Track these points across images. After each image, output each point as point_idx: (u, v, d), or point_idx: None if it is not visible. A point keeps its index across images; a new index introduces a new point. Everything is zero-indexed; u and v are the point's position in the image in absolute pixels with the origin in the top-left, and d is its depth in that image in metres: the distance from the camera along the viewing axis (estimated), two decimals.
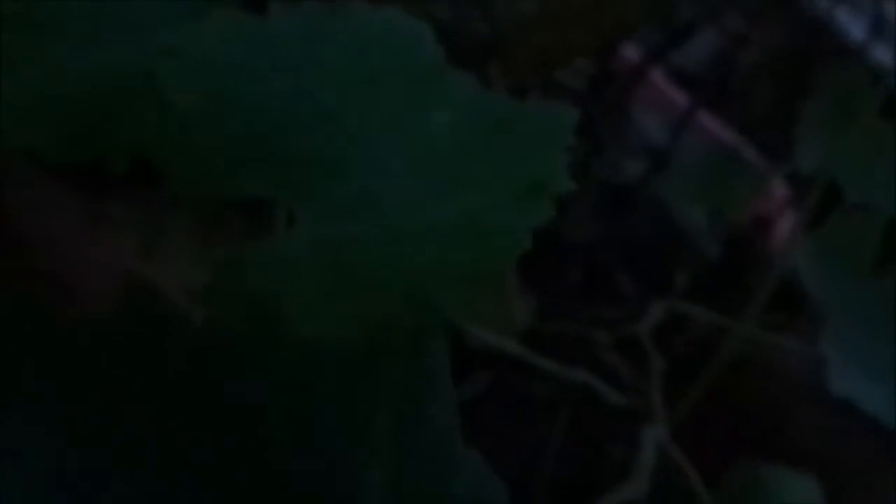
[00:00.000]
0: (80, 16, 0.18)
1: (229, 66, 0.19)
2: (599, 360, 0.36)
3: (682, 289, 0.40)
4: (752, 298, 0.34)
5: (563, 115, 0.20)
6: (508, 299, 0.40)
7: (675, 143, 0.63)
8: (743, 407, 0.35)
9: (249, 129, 0.18)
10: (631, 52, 0.63)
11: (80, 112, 0.17)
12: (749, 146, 0.49)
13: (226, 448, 0.16)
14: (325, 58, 0.19)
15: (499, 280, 0.18)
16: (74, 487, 0.15)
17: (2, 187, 0.31)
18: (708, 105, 0.72)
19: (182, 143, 0.17)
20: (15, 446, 0.15)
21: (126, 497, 0.15)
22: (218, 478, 0.16)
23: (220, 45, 0.19)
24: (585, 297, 0.55)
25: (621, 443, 0.30)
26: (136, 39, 0.18)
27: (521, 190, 0.18)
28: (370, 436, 0.16)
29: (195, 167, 0.18)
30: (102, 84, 0.17)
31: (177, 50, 0.18)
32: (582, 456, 0.35)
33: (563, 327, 0.39)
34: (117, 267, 0.31)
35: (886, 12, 0.57)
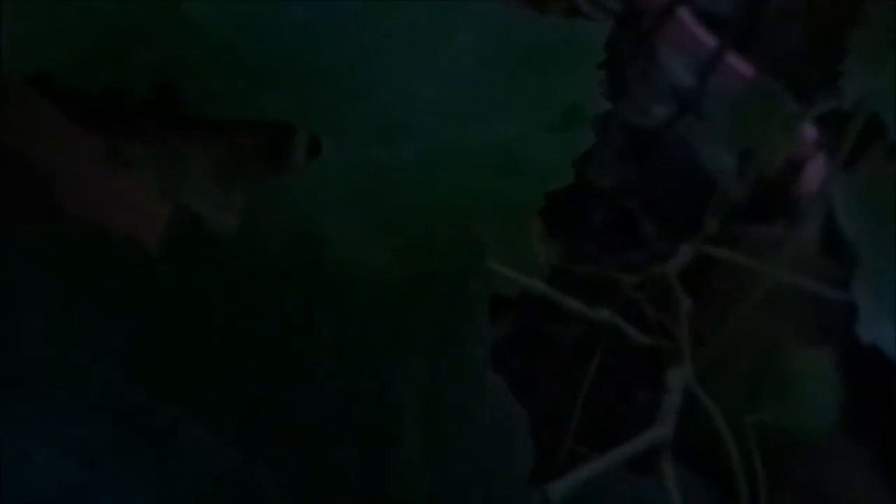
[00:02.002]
0: None
1: None
2: (626, 302, 0.36)
3: (711, 231, 0.39)
4: (784, 240, 0.34)
5: (593, 31, 0.19)
6: (533, 242, 0.40)
7: (702, 85, 0.61)
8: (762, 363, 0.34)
9: (273, 52, 0.18)
10: None
11: (98, 34, 0.16)
12: (779, 87, 0.47)
13: (271, 370, 0.16)
14: None
15: (527, 220, 0.17)
16: (121, 410, 0.15)
17: (15, 127, 0.30)
18: (736, 47, 0.70)
19: (205, 65, 0.17)
20: (69, 375, 0.15)
21: (173, 417, 0.15)
22: (262, 395, 0.16)
23: None
24: (611, 242, 0.54)
25: (647, 385, 0.30)
26: None
27: (556, 116, 0.17)
28: (409, 363, 0.16)
29: (219, 90, 0.17)
30: (122, 4, 0.16)
31: None
32: (607, 399, 0.35)
33: (589, 269, 0.39)
34: (139, 207, 0.31)
35: None
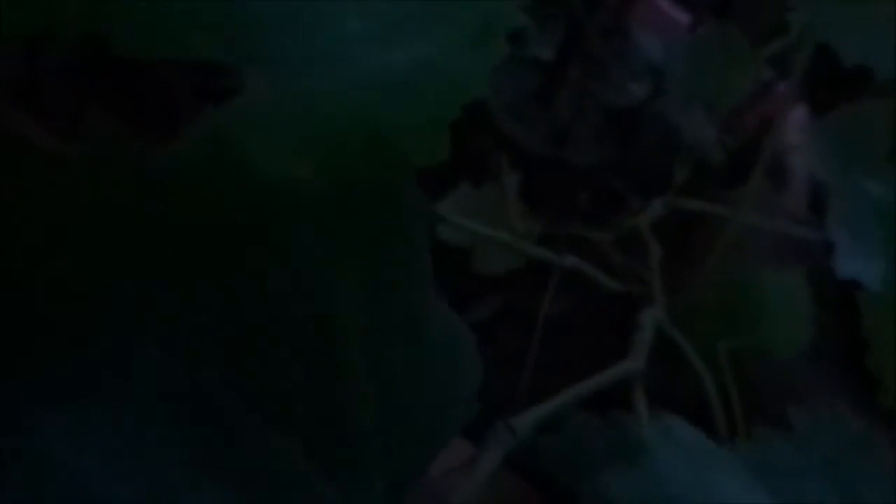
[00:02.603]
0: None
1: None
2: (599, 256, 0.36)
3: (685, 189, 0.39)
4: (748, 184, 0.34)
5: None
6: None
7: (675, 61, 0.61)
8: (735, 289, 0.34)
9: None
10: None
11: None
12: (731, 30, 0.47)
13: (212, 287, 0.16)
14: None
15: (444, 124, 0.18)
16: (70, 339, 0.15)
17: None
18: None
19: (132, 7, 0.17)
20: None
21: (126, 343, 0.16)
22: (206, 314, 0.16)
23: None
24: (597, 220, 0.55)
25: (621, 332, 0.30)
26: None
27: (474, 33, 0.18)
28: (343, 273, 0.17)
29: (148, 30, 0.17)
30: None
31: None
32: (582, 346, 0.35)
33: (566, 232, 0.39)
34: None
35: None
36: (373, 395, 0.17)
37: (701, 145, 0.52)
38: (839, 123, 0.39)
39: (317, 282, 0.17)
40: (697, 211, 0.37)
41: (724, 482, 0.21)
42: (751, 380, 0.29)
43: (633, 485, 0.20)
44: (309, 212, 0.16)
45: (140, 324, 0.16)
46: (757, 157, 0.52)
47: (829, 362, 0.34)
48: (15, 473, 0.15)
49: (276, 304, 0.16)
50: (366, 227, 0.17)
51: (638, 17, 0.68)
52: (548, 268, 0.42)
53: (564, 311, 0.37)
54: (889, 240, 0.30)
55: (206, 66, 0.18)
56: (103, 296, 0.16)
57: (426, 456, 0.18)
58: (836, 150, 0.38)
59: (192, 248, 0.16)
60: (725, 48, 0.40)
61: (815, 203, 0.52)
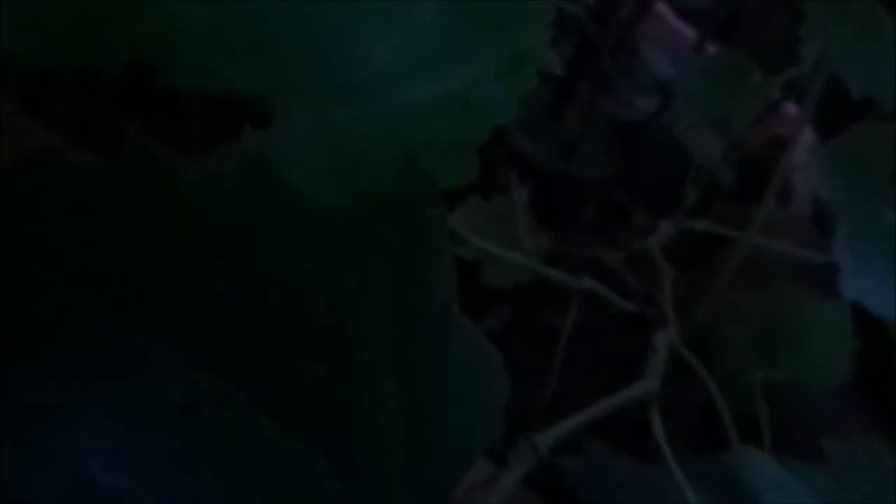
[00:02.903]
0: None
1: None
2: (612, 278, 0.37)
3: (696, 208, 0.40)
4: (758, 207, 0.34)
5: None
6: (522, 235, 0.41)
7: (683, 77, 0.62)
8: (754, 316, 0.35)
9: (242, 28, 0.19)
10: None
11: (70, 15, 0.17)
12: (744, 58, 0.48)
13: (238, 299, 0.16)
14: None
15: (473, 149, 0.18)
16: (92, 337, 0.16)
17: None
18: (717, 38, 0.71)
19: (178, 42, 0.18)
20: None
21: (146, 347, 0.16)
22: (232, 324, 0.16)
23: None
24: (604, 233, 0.55)
25: (635, 354, 0.30)
26: None
27: (503, 64, 0.18)
28: (370, 288, 0.17)
29: (192, 65, 0.18)
30: None
31: None
32: (599, 371, 0.36)
33: (577, 251, 0.40)
34: None
35: None
36: (400, 415, 0.17)
37: (709, 162, 0.53)
38: (844, 147, 0.39)
39: (346, 301, 0.17)
40: (707, 231, 0.37)
41: None
42: (779, 408, 0.29)
43: None
44: (339, 233, 0.17)
45: (167, 332, 0.16)
46: (765, 176, 0.53)
47: (861, 396, 0.35)
48: (48, 491, 0.15)
49: (306, 323, 0.17)
50: (393, 248, 0.17)
51: (646, 33, 0.69)
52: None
53: (577, 327, 0.38)
54: None
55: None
56: (134, 305, 0.16)
57: (453, 476, 0.19)
58: (841, 173, 0.38)
59: (224, 264, 0.16)
60: (737, 74, 0.40)
61: (818, 224, 0.52)
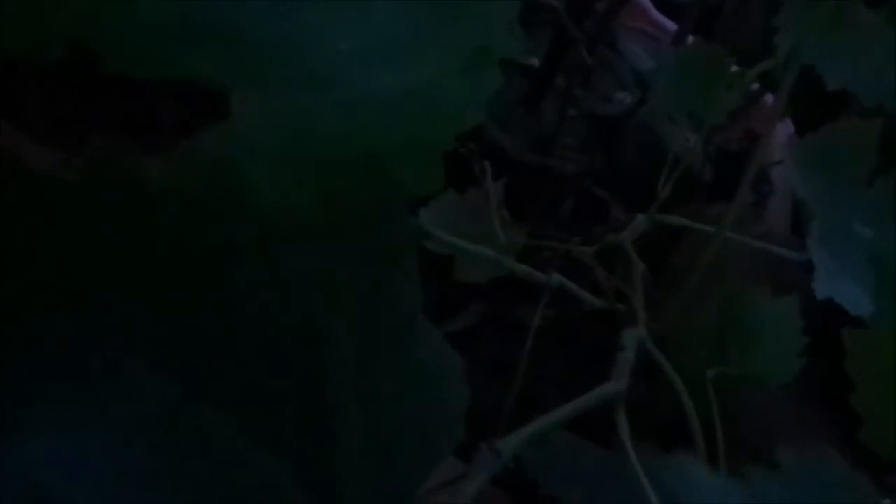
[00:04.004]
0: None
1: None
2: (583, 272, 0.36)
3: (671, 202, 0.40)
4: (732, 203, 0.34)
5: None
6: (495, 229, 0.40)
7: (662, 71, 0.61)
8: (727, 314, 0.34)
9: (198, 13, 0.18)
10: None
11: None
12: (719, 50, 0.47)
13: (205, 307, 0.16)
14: None
15: (438, 158, 0.18)
16: (56, 348, 0.15)
17: None
18: (697, 31, 0.70)
19: (127, 25, 0.17)
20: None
21: (113, 357, 0.15)
22: (198, 332, 0.16)
23: None
24: (576, 228, 0.55)
25: (605, 349, 0.30)
26: None
27: (466, 59, 0.18)
28: (336, 297, 0.17)
29: (142, 50, 0.17)
30: None
31: None
32: (566, 366, 0.35)
33: (549, 244, 0.39)
34: None
35: None
36: (362, 418, 0.17)
37: (685, 156, 0.53)
38: (821, 143, 0.39)
39: (310, 305, 0.16)
40: (680, 226, 0.37)
41: None
42: (734, 407, 0.29)
43: None
44: (303, 237, 0.16)
45: (132, 341, 0.16)
46: (741, 170, 0.53)
47: (812, 396, 0.35)
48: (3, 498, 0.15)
49: (269, 327, 0.16)
50: (358, 253, 0.17)
51: (626, 25, 0.68)
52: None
53: (547, 323, 0.37)
54: (879, 281, 0.31)
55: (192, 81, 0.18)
56: (98, 314, 0.16)
57: (416, 479, 0.18)
58: (818, 169, 0.38)
59: (187, 269, 0.16)
60: (713, 66, 0.40)
61: (796, 221, 0.52)
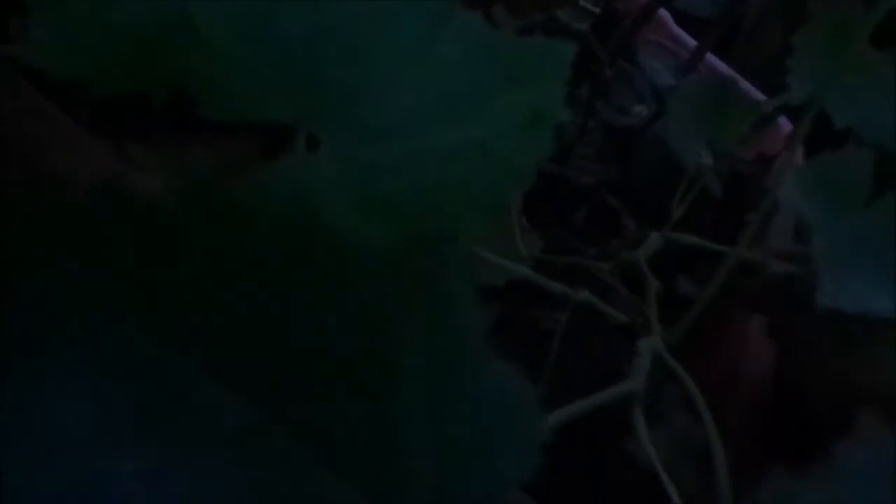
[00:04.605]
0: None
1: (256, 2, 0.20)
2: (602, 287, 0.38)
3: (682, 220, 0.42)
4: (747, 221, 0.36)
5: (561, 50, 0.21)
6: (514, 232, 0.42)
7: (676, 92, 0.63)
8: (739, 331, 0.37)
9: (275, 62, 0.20)
10: None
11: (125, 45, 0.19)
12: (741, 79, 0.50)
13: (280, 329, 0.17)
14: None
15: (499, 210, 0.20)
16: (138, 367, 0.17)
17: (18, 124, 0.32)
18: (717, 49, 0.72)
19: (216, 73, 0.19)
20: (81, 332, 0.17)
21: (192, 377, 0.17)
22: (274, 355, 0.17)
23: None
24: (594, 237, 0.57)
25: (621, 361, 0.32)
26: None
27: (523, 120, 0.20)
28: (406, 324, 0.18)
29: (228, 94, 0.19)
30: (146, 18, 0.19)
31: None
32: (581, 369, 0.38)
33: (568, 259, 0.41)
34: None
35: None
36: (434, 449, 0.18)
37: (699, 175, 0.55)
38: (823, 167, 0.41)
39: (381, 334, 0.18)
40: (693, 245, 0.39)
41: None
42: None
43: None
44: (373, 265, 0.18)
45: (214, 368, 0.17)
46: (750, 191, 0.55)
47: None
48: None
49: (343, 356, 0.18)
50: (425, 282, 0.18)
51: (645, 40, 0.70)
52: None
53: (566, 330, 0.40)
54: None
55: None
56: (181, 337, 0.17)
57: None
58: (820, 190, 0.40)
59: (267, 292, 0.18)
60: (728, 97, 0.42)
61: (798, 237, 0.54)
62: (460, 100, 0.20)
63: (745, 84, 0.54)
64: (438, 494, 0.18)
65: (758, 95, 0.59)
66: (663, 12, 0.72)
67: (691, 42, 0.74)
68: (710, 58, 0.70)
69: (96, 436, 0.17)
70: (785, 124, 0.60)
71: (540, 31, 0.51)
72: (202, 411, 0.17)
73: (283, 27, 0.20)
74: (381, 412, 0.18)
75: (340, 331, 0.18)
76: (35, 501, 0.16)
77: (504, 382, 0.18)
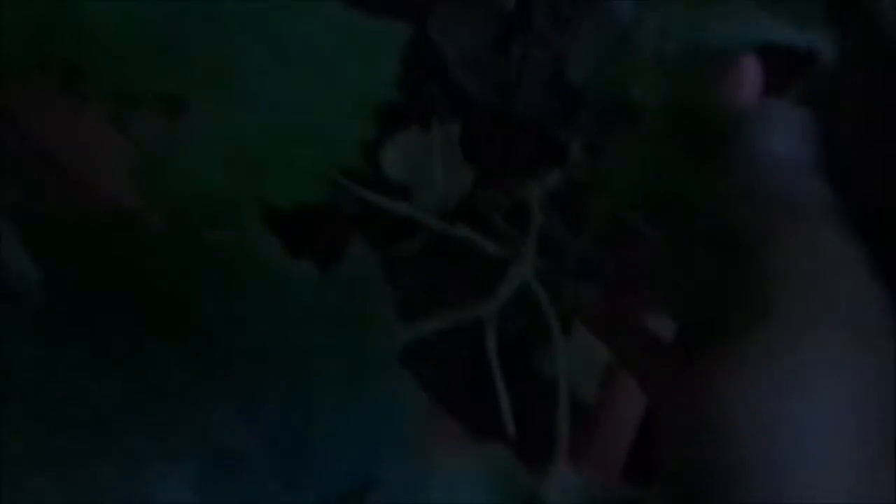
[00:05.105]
0: None
1: None
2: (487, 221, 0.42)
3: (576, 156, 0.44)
4: None
5: (396, 31, 0.25)
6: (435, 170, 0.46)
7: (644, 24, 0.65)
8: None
9: (158, 41, 0.24)
10: None
11: (27, 30, 0.23)
12: None
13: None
14: None
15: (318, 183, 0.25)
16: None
17: (20, 109, 0.36)
18: None
19: (105, 53, 0.24)
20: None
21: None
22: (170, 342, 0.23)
23: None
24: (534, 168, 0.60)
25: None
26: None
27: (352, 105, 0.24)
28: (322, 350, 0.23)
29: (115, 71, 0.24)
30: (44, 8, 0.23)
31: None
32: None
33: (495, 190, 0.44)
34: (96, 136, 0.38)
35: None
36: (329, 422, 0.23)
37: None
38: None
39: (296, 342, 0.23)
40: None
41: None
42: None
43: None
44: (301, 295, 0.22)
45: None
46: None
47: None
48: None
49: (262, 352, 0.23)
50: (340, 313, 0.23)
51: None
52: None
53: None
54: None
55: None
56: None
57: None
58: None
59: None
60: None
61: None
62: (313, 70, 0.25)
63: None
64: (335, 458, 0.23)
65: None
66: None
67: None
68: None
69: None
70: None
71: None
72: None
73: (161, 9, 0.24)
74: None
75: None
76: None
77: (399, 384, 0.23)
